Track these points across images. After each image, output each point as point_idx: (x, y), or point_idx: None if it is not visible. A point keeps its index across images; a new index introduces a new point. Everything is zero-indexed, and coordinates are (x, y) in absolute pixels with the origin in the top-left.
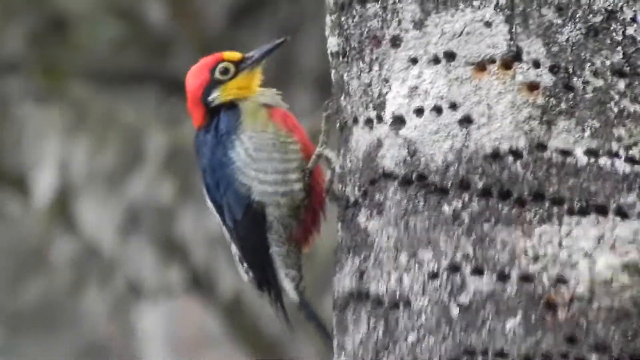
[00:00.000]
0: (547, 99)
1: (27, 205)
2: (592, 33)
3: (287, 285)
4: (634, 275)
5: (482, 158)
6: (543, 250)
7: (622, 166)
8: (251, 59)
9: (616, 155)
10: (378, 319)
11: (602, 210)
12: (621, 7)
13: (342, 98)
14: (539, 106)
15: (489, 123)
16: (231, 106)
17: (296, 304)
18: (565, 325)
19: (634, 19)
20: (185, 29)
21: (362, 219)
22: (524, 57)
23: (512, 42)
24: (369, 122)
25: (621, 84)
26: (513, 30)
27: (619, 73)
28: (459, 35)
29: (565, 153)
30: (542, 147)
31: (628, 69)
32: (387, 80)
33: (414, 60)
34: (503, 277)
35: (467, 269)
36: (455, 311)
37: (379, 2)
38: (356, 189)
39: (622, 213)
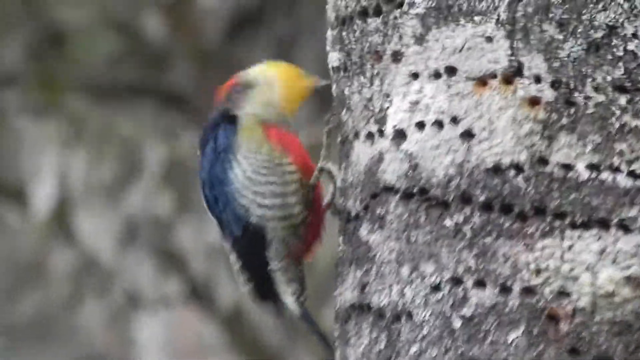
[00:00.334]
0: (548, 114)
1: (25, 217)
2: (593, 48)
3: (288, 299)
4: (636, 288)
5: (483, 172)
6: (545, 264)
7: (623, 181)
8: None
9: (618, 170)
10: (380, 331)
11: (604, 224)
12: (622, 23)
13: (343, 112)
14: (541, 121)
15: (490, 138)
16: (231, 120)
17: (297, 316)
18: (567, 338)
19: (635, 35)
20: (183, 43)
21: (363, 232)
22: (525, 73)
23: (513, 58)
24: (370, 136)
25: (622, 100)
26: (514, 45)
27: (620, 88)
28: (460, 51)
29: (567, 167)
30: (543, 161)
31: (629, 84)
32: (388, 95)
33: (415, 75)
34: (505, 290)
35: (469, 282)
36: (457, 323)
37: (380, 17)
38: (357, 202)
39: (624, 227)
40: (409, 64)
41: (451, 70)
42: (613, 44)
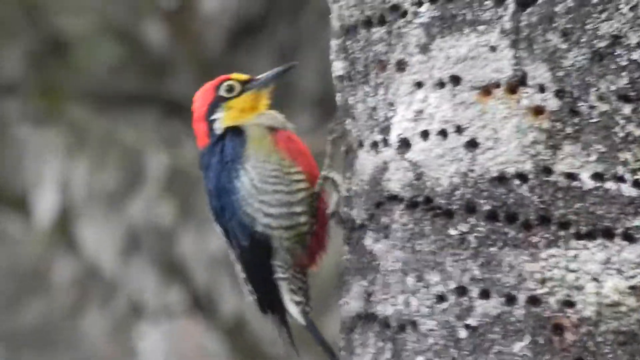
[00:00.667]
0: (552, 123)
1: (27, 226)
2: (597, 58)
3: (293, 310)
4: None
5: (488, 182)
6: (550, 274)
7: (628, 190)
8: (258, 80)
9: (622, 179)
10: (385, 341)
11: (609, 234)
12: (626, 33)
13: (348, 122)
14: (545, 130)
15: (495, 147)
16: (238, 131)
17: (302, 326)
18: (572, 348)
19: (639, 44)
20: (185, 51)
21: (368, 241)
22: (529, 82)
23: (517, 67)
24: (374, 145)
25: (626, 109)
26: (518, 54)
27: (624, 98)
28: (464, 60)
29: (571, 177)
30: (548, 171)
31: (633, 93)
32: (392, 104)
33: (419, 84)
34: (510, 299)
35: (474, 291)
36: (463, 333)
37: (384, 27)
38: (362, 212)
39: (629, 237)
40: (413, 73)
41: (455, 80)
42: (617, 53)
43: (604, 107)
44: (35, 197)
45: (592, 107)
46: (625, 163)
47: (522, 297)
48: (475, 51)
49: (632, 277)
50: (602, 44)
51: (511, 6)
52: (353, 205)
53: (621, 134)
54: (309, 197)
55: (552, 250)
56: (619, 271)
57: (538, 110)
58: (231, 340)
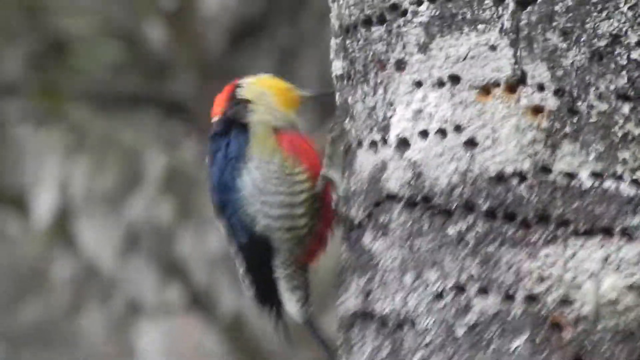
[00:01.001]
0: (551, 122)
1: (26, 225)
2: (596, 57)
3: (293, 307)
4: (639, 296)
5: (486, 180)
6: (548, 272)
7: (626, 189)
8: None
9: (621, 178)
10: (383, 339)
11: (607, 232)
12: (626, 32)
13: (347, 121)
14: (544, 129)
15: (494, 146)
16: (243, 128)
17: (301, 324)
18: (570, 345)
19: (638, 44)
20: (185, 52)
21: (367, 240)
22: (529, 81)
23: (516, 66)
24: (373, 144)
25: (625, 108)
26: (518, 54)
27: (623, 97)
28: (464, 59)
29: (570, 176)
30: (546, 170)
31: (632, 92)
32: (391, 104)
33: (418, 84)
34: (508, 297)
35: (472, 289)
36: (460, 331)
37: (384, 26)
38: (361, 210)
39: (627, 235)
40: (413, 73)
41: (455, 79)
42: (616, 52)
43: (603, 106)
44: (35, 197)
45: (591, 107)
46: (624, 162)
47: (520, 295)
48: (474, 50)
49: (631, 275)
50: (602, 43)
51: (511, 5)
52: (351, 204)
53: (620, 133)
54: (311, 199)
55: (550, 249)
56: (617, 269)
57: (537, 110)
58: (230, 339)
